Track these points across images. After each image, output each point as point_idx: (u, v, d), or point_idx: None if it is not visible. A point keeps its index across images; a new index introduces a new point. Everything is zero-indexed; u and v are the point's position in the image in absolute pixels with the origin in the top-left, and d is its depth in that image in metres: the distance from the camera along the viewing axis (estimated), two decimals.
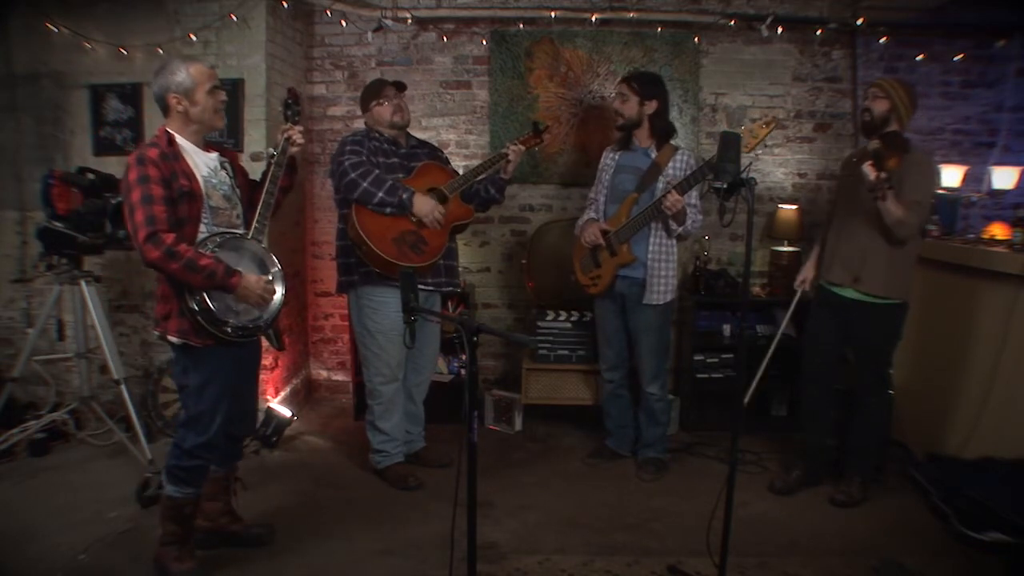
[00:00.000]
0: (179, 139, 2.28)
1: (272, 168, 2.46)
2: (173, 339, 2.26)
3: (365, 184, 2.85)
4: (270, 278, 2.34)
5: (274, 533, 2.64)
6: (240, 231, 2.38)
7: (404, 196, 2.89)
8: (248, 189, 2.50)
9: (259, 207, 2.41)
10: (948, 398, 3.18)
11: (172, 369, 2.43)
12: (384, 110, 3.04)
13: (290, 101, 2.62)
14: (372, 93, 3.07)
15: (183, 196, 2.20)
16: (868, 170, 2.61)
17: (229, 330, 2.24)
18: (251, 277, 2.26)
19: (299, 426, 3.86)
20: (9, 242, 3.87)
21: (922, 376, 3.39)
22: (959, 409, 3.13)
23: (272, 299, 2.36)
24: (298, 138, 2.52)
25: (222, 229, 2.32)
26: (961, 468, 2.97)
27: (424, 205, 2.93)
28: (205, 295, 2.17)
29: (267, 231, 2.43)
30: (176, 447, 2.33)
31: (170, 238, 2.10)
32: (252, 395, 2.62)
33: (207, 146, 2.38)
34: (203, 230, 2.27)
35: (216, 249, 2.22)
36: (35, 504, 2.89)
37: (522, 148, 3.13)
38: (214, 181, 2.33)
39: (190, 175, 2.24)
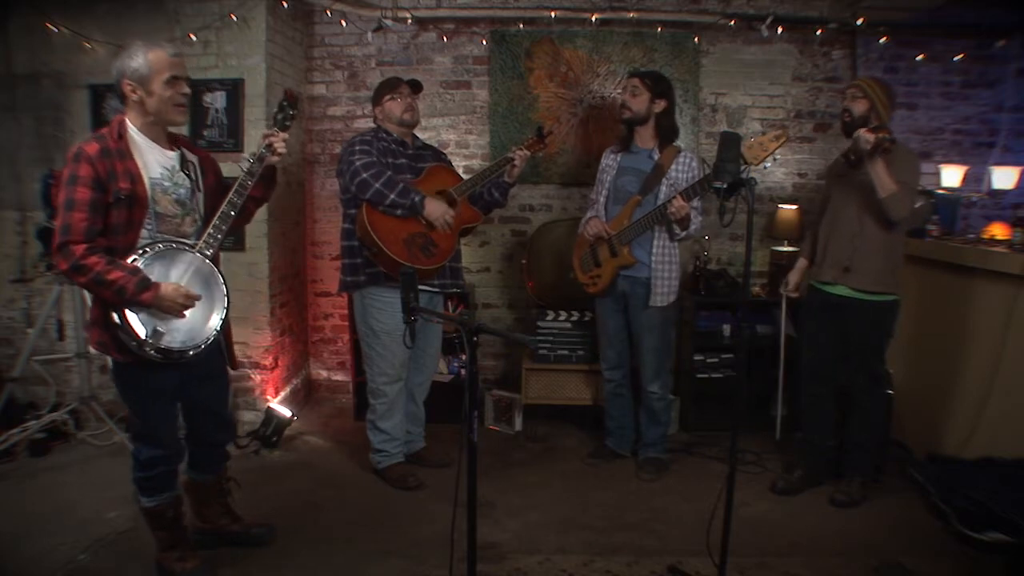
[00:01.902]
0: (133, 132, 2.10)
1: (242, 176, 2.23)
2: (92, 349, 2.11)
3: (377, 185, 2.85)
4: (183, 282, 2.11)
5: (274, 533, 2.64)
6: (189, 242, 2.17)
7: (416, 199, 2.89)
8: (219, 193, 2.29)
9: (215, 218, 2.18)
10: (948, 398, 3.18)
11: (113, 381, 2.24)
12: (396, 106, 3.05)
13: (285, 103, 2.37)
14: (387, 88, 3.08)
15: (121, 200, 2.01)
16: (867, 135, 2.61)
17: (149, 351, 2.04)
18: (168, 286, 2.04)
19: (299, 426, 3.86)
20: (9, 242, 3.87)
21: (922, 376, 3.39)
22: (959, 409, 3.13)
23: (210, 319, 2.16)
24: (280, 147, 2.28)
25: (165, 238, 2.12)
26: (961, 468, 2.97)
27: (435, 209, 2.93)
28: (125, 310, 2.00)
29: (220, 245, 2.23)
30: (135, 460, 2.25)
31: (80, 249, 1.94)
32: (221, 401, 2.48)
33: (172, 143, 2.21)
34: (145, 236, 2.09)
35: (148, 261, 2.03)
36: (35, 504, 2.89)
37: (527, 153, 3.15)
38: (166, 184, 2.13)
39: (135, 176, 2.05)
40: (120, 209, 2.03)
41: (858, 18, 3.82)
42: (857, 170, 2.79)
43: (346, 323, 4.13)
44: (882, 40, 3.94)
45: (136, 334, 2.02)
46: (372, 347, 3.10)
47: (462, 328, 1.84)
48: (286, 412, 3.64)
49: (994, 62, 4.06)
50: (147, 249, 2.06)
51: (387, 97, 3.06)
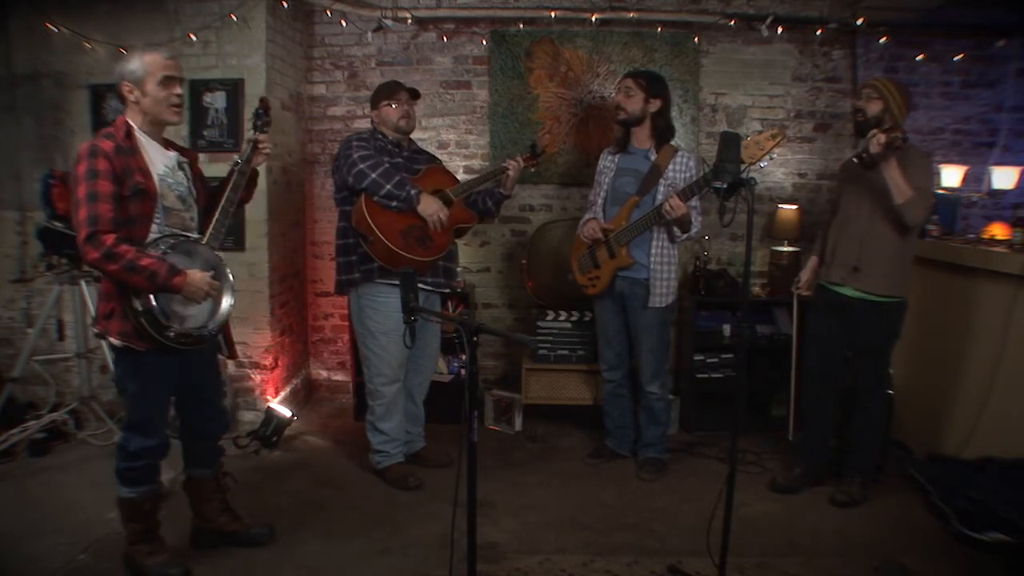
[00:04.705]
0: (137, 132, 2.21)
1: (235, 176, 2.39)
2: (114, 341, 2.17)
3: (374, 175, 2.87)
4: (213, 273, 2.26)
5: (274, 533, 2.64)
6: (195, 235, 2.31)
7: (412, 192, 2.91)
8: (205, 194, 2.43)
9: (217, 213, 2.32)
10: (948, 398, 3.18)
11: (113, 371, 2.34)
12: (392, 112, 3.05)
13: (261, 111, 2.52)
14: (385, 93, 3.08)
15: (136, 194, 2.13)
16: (878, 137, 2.61)
17: (172, 335, 2.16)
18: (195, 273, 2.17)
19: (299, 426, 3.86)
20: (9, 242, 3.86)
21: (922, 376, 3.39)
22: (959, 409, 3.13)
23: (221, 303, 2.31)
24: (267, 149, 2.48)
25: (175, 231, 2.24)
26: (961, 468, 2.98)
27: (430, 205, 2.94)
28: (150, 297, 2.10)
29: (222, 239, 2.36)
30: (122, 449, 2.29)
31: (111, 239, 2.04)
32: (215, 393, 2.57)
33: (167, 144, 2.32)
34: (155, 230, 2.20)
35: (168, 251, 2.15)
36: (35, 504, 2.89)
37: (521, 164, 3.18)
38: (170, 181, 2.25)
39: (145, 172, 2.17)
40: (135, 202, 2.14)
41: (858, 18, 3.82)
42: (872, 172, 2.78)
43: (346, 323, 4.12)
44: (882, 40, 3.94)
45: (160, 320, 2.12)
46: (369, 348, 3.10)
47: (462, 328, 1.84)
48: (286, 412, 3.64)
49: (994, 62, 4.06)
50: (168, 240, 2.19)
51: (384, 102, 3.06)
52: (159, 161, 2.24)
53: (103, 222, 2.05)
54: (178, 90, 2.24)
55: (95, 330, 2.25)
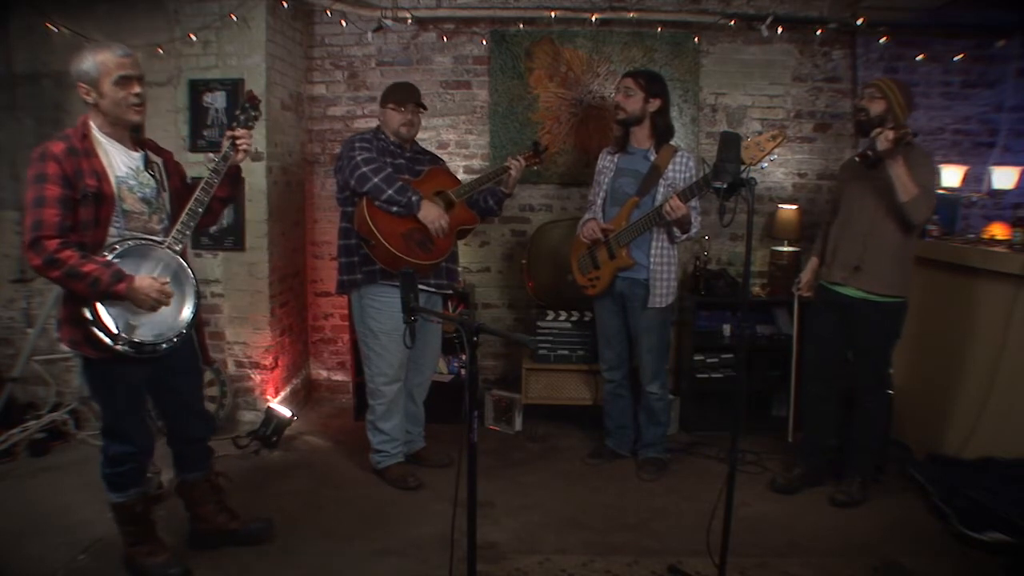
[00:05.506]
0: (96, 133, 2.13)
1: (208, 175, 2.27)
2: (64, 347, 2.13)
3: (376, 179, 2.86)
4: (167, 279, 2.14)
5: (273, 527, 2.64)
6: (158, 238, 2.21)
7: (413, 198, 2.90)
8: (183, 193, 2.34)
9: (182, 215, 2.22)
10: (948, 398, 3.18)
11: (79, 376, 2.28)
12: (396, 117, 3.05)
13: (247, 105, 2.42)
14: (393, 97, 3.07)
15: (87, 197, 2.05)
16: (887, 132, 2.61)
17: (121, 347, 2.07)
18: (143, 279, 2.06)
19: (299, 426, 3.86)
20: (9, 242, 3.86)
21: (922, 376, 3.40)
22: (959, 409, 3.13)
23: (182, 310, 2.20)
24: (244, 143, 2.34)
25: (135, 234, 2.16)
26: (961, 468, 2.98)
27: (430, 212, 2.93)
28: (97, 305, 2.03)
29: (189, 241, 2.27)
30: (103, 455, 2.26)
31: (53, 244, 1.97)
32: (194, 395, 2.50)
33: (137, 143, 2.24)
34: (113, 234, 2.12)
35: (118, 258, 2.06)
36: (35, 504, 2.89)
37: (523, 164, 3.18)
38: (131, 183, 2.17)
39: (100, 174, 2.08)
40: (87, 206, 2.06)
41: (858, 18, 3.81)
42: (875, 171, 2.77)
43: (346, 323, 4.12)
44: (882, 40, 3.94)
45: (109, 329, 2.04)
46: (371, 348, 3.10)
47: (462, 328, 1.84)
48: (286, 412, 3.64)
49: (994, 62, 4.06)
50: (117, 246, 2.09)
51: (391, 105, 3.06)
52: (120, 162, 2.16)
53: (47, 227, 1.98)
54: (136, 89, 2.13)
55: (56, 335, 2.19)
